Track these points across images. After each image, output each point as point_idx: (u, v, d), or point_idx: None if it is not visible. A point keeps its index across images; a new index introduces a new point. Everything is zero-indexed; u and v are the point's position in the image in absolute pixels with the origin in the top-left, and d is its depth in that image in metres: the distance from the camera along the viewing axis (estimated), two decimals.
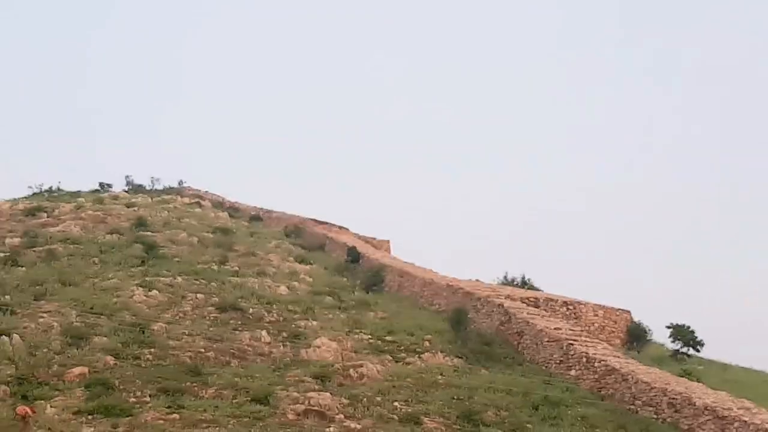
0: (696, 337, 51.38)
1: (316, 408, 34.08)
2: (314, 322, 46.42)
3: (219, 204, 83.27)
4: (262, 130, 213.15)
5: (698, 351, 51.18)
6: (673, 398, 36.60)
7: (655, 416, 36.79)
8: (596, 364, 41.23)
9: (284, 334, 44.05)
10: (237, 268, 55.67)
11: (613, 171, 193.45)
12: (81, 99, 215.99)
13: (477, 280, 60.77)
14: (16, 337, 38.46)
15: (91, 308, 43.78)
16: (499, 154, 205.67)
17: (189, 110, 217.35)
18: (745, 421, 32.99)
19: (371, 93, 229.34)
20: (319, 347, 42.29)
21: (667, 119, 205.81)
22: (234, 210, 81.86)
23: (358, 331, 46.08)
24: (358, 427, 32.94)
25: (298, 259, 62.30)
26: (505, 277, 63.05)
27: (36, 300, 44.51)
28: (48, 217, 66.25)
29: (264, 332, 43.73)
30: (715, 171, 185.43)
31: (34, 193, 79.58)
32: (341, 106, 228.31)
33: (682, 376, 41.00)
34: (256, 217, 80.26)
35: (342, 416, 33.84)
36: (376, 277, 58.19)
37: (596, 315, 53.01)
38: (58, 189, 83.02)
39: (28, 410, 30.97)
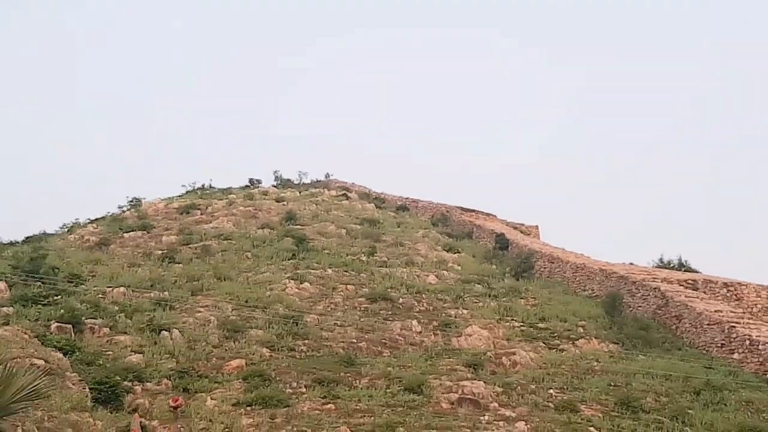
0: None
1: (469, 396, 34.11)
2: (464, 311, 46.52)
3: (365, 195, 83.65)
4: (405, 120, 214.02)
5: None
6: None
7: None
8: (761, 347, 40.14)
9: (435, 323, 44.28)
10: (386, 259, 56.12)
11: None
12: (225, 98, 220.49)
13: (631, 264, 59.83)
14: (175, 331, 39.75)
15: (246, 302, 44.98)
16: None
17: (331, 102, 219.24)
18: None
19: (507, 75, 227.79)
20: (470, 335, 42.37)
21: None
22: (380, 201, 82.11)
23: (509, 318, 46.01)
24: (513, 415, 32.76)
25: (446, 247, 62.29)
26: (661, 260, 61.78)
27: (193, 295, 45.95)
28: (201, 214, 68.09)
29: (415, 321, 44.07)
30: None
31: (188, 191, 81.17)
32: (479, 92, 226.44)
33: None
34: (403, 207, 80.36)
35: (496, 404, 33.77)
36: (526, 263, 57.78)
37: (759, 296, 51.38)
38: (210, 186, 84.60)
39: (181, 400, 32.02)
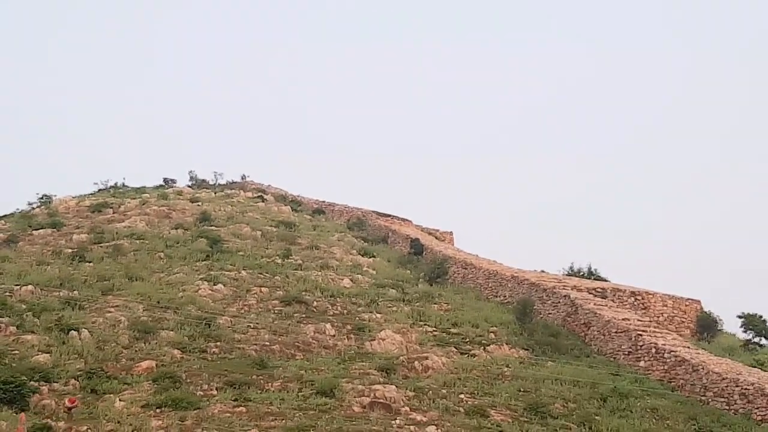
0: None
1: (381, 400, 34.25)
2: (378, 315, 46.56)
3: (282, 197, 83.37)
4: (322, 124, 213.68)
5: None
6: (746, 389, 36.24)
7: (726, 407, 36.45)
8: (666, 355, 40.95)
9: (348, 327, 44.24)
10: (300, 262, 55.90)
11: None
12: (143, 94, 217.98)
13: (542, 271, 60.48)
14: (84, 331, 39.21)
15: (158, 302, 44.45)
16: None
17: (247, 104, 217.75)
18: None
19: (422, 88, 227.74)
20: (383, 340, 42.49)
21: None
22: (297, 203, 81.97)
23: (422, 323, 46.12)
24: (424, 419, 32.97)
25: (361, 251, 62.36)
26: (571, 268, 62.47)
27: (103, 295, 45.25)
28: (114, 213, 67.11)
29: (328, 325, 44.01)
30: None
31: (100, 190, 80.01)
32: (399, 100, 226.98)
33: (755, 367, 40.55)
34: (319, 210, 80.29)
35: (407, 409, 33.95)
36: (440, 269, 58.01)
37: (665, 305, 52.44)
38: (123, 185, 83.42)
39: (77, 402, 31.72)
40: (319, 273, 53.36)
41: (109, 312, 42.34)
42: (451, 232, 78.21)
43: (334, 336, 42.97)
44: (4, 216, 66.18)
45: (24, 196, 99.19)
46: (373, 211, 78.53)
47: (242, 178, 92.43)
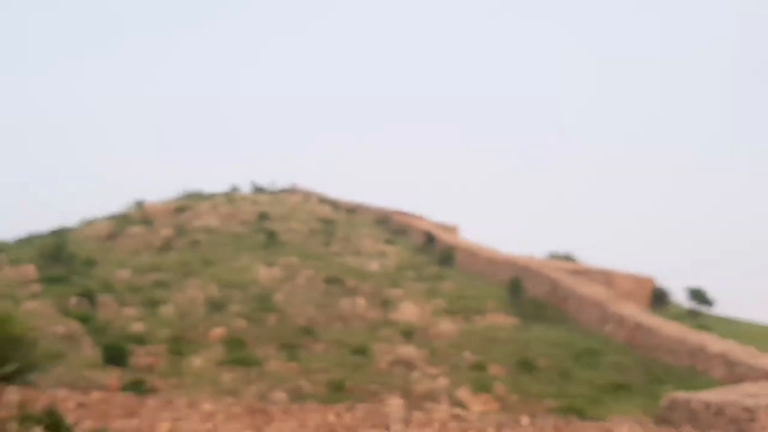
0: (708, 298, 50.45)
1: (403, 358, 34.42)
2: (400, 291, 46.64)
3: (322, 200, 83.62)
4: (353, 135, 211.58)
5: (709, 307, 50.25)
6: (690, 347, 36.23)
7: (674, 361, 36.43)
8: (627, 321, 40.97)
9: (376, 301, 44.38)
10: (338, 250, 56.20)
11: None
12: (217, 114, 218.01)
13: (529, 256, 60.44)
14: (170, 306, 39.70)
15: (228, 284, 44.76)
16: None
17: (295, 121, 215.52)
18: (751, 365, 32.49)
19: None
20: (404, 311, 42.61)
21: None
22: (335, 204, 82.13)
23: (434, 298, 46.15)
24: (436, 372, 33.12)
25: (385, 242, 62.55)
26: (551, 253, 62.59)
27: (185, 277, 45.61)
28: (191, 213, 67.30)
29: (361, 299, 44.19)
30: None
31: (180, 195, 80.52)
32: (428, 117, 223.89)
33: (697, 330, 40.53)
34: (352, 209, 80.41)
35: (423, 364, 34.14)
36: (448, 255, 58.21)
37: (626, 282, 52.45)
38: (197, 192, 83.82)
39: (155, 361, 32.16)
40: (353, 259, 53.67)
41: (189, 291, 42.83)
42: (456, 225, 78.24)
43: (365, 308, 43.17)
44: (107, 217, 66.71)
45: (121, 200, 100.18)
46: (395, 210, 78.65)
47: (292, 185, 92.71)
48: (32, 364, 15.18)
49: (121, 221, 63.51)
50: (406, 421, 21.97)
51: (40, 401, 19.60)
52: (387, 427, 21.76)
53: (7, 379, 14.81)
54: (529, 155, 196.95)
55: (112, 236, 57.76)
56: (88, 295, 38.61)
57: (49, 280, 40.87)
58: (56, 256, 46.19)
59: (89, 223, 64.09)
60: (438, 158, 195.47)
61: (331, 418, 21.81)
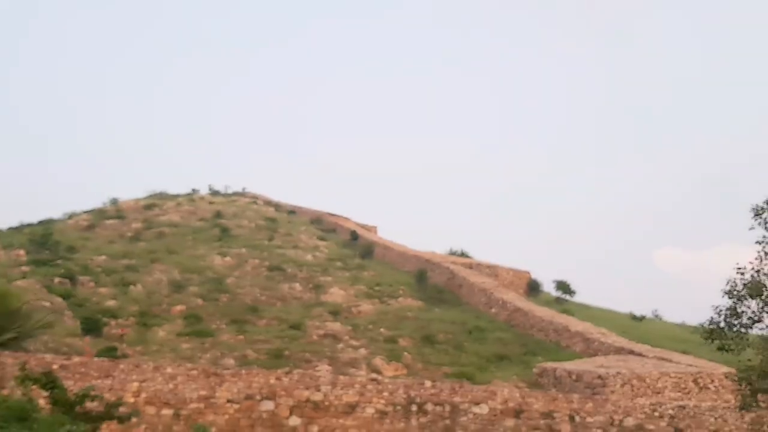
0: (571, 288, 51.90)
1: (330, 332, 34.52)
2: (329, 278, 46.53)
3: (268, 202, 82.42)
4: (291, 148, 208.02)
5: (572, 295, 51.67)
6: (556, 327, 37.13)
7: (544, 338, 37.32)
8: (508, 305, 41.69)
9: (310, 285, 44.28)
10: (280, 243, 55.57)
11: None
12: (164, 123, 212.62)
13: (432, 252, 60.96)
14: (139, 286, 38.79)
15: (187, 269, 43.91)
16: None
17: (245, 131, 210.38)
18: (603, 341, 33.52)
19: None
20: (332, 294, 42.64)
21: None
22: (277, 206, 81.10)
23: (357, 284, 46.26)
24: (358, 344, 33.28)
25: (318, 238, 62.11)
26: (451, 250, 63.31)
27: (152, 262, 44.54)
28: (158, 210, 65.74)
29: (297, 284, 44.04)
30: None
31: (149, 194, 78.59)
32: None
33: (562, 313, 41.57)
34: (292, 211, 79.33)
35: (347, 337, 34.25)
36: (368, 250, 58.21)
37: (508, 274, 53.32)
38: (163, 192, 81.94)
39: (127, 331, 31.54)
40: (292, 251, 53.18)
41: (155, 274, 41.91)
42: (375, 225, 78.29)
43: (300, 291, 43.01)
44: (87, 211, 64.56)
45: (98, 197, 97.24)
46: (327, 212, 78.30)
47: (242, 189, 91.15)
48: (27, 332, 14.66)
49: (99, 215, 61.52)
50: (334, 383, 22.00)
51: (32, 364, 18.94)
52: (318, 388, 21.74)
53: (5, 345, 14.27)
54: (437, 166, 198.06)
55: (90, 227, 55.97)
56: (70, 276, 37.46)
57: (36, 263, 39.40)
58: (43, 242, 44.52)
59: (71, 216, 61.78)
60: (361, 168, 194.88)
61: (272, 380, 21.67)
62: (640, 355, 30.71)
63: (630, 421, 23.09)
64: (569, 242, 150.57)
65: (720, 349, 12.12)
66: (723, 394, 26.27)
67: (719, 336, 12.07)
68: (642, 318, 49.69)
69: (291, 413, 21.20)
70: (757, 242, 12.03)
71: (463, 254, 61.93)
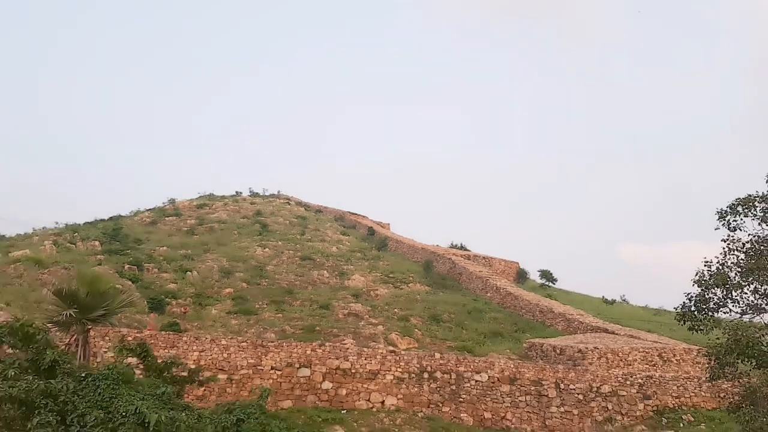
0: (553, 276, 51.74)
1: (353, 312, 34.58)
2: (351, 266, 46.61)
3: (299, 203, 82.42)
4: (316, 157, 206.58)
5: (554, 283, 51.51)
6: (542, 309, 37.09)
7: (532, 318, 37.28)
8: (501, 290, 41.68)
9: (336, 273, 44.31)
10: (309, 237, 55.66)
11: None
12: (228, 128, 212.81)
13: (437, 245, 60.96)
14: (194, 272, 38.96)
15: (234, 258, 44.01)
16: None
17: (279, 140, 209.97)
18: (581, 321, 33.42)
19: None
20: (354, 280, 42.66)
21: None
22: (307, 206, 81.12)
23: (374, 271, 46.30)
24: (376, 322, 33.32)
25: (341, 233, 62.17)
26: (452, 243, 63.26)
27: (204, 252, 44.76)
28: (209, 208, 66.00)
29: (325, 271, 44.06)
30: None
31: (200, 195, 78.97)
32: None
33: (546, 297, 41.56)
34: (319, 210, 79.36)
35: (367, 316, 34.28)
36: (383, 243, 58.26)
37: (500, 264, 53.29)
38: (212, 194, 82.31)
39: (188, 309, 31.70)
40: (319, 244, 53.28)
41: (207, 262, 42.11)
42: (389, 223, 78.21)
43: (328, 277, 43.06)
44: (149, 209, 64.99)
45: (159, 197, 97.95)
46: (348, 211, 78.34)
47: (277, 192, 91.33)
48: (112, 310, 14.84)
49: (159, 213, 61.77)
50: (359, 354, 22.12)
51: (110, 335, 19.14)
52: (346, 358, 21.87)
53: (95, 320, 14.48)
54: (438, 171, 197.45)
55: (153, 223, 56.17)
56: (137, 263, 37.70)
57: (109, 252, 39.68)
58: (114, 235, 44.85)
59: (136, 213, 62.20)
60: (377, 175, 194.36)
61: (309, 351, 21.83)
62: (613, 333, 30.67)
63: (606, 388, 23.09)
64: (552, 237, 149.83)
65: (691, 329, 12.15)
66: (683, 366, 26.21)
67: (690, 318, 12.10)
68: (612, 302, 49.45)
69: (324, 379, 21.35)
70: (722, 240, 12.08)
71: (462, 247, 61.89)
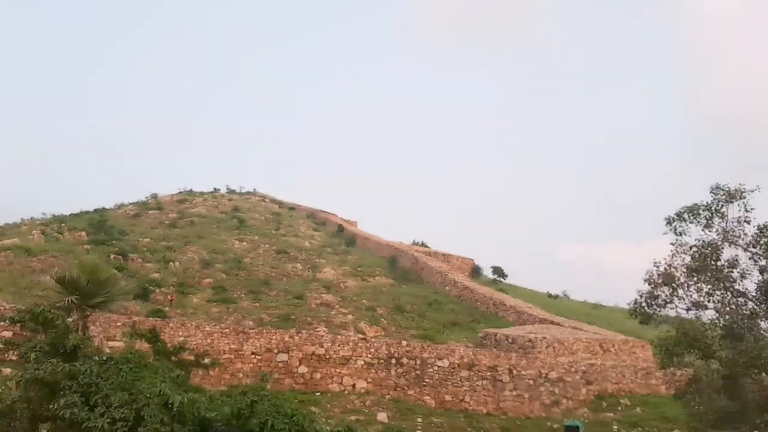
0: (504, 272, 52.44)
1: (325, 302, 34.41)
2: (323, 260, 46.30)
3: (273, 200, 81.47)
4: (291, 150, 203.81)
5: (505, 278, 52.19)
6: (495, 302, 37.48)
7: (486, 310, 37.62)
8: (458, 284, 41.93)
9: (308, 265, 43.95)
10: (284, 233, 55.15)
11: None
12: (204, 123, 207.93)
13: (401, 242, 60.97)
14: (177, 263, 38.19)
15: (213, 250, 43.30)
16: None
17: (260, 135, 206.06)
18: (530, 313, 33.96)
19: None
20: (325, 272, 42.39)
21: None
22: (280, 204, 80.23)
23: (344, 265, 46.09)
24: (346, 311, 33.24)
25: (313, 229, 61.64)
26: (414, 241, 63.48)
27: (185, 245, 43.87)
28: (189, 203, 64.78)
29: (298, 264, 43.68)
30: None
31: (180, 191, 77.31)
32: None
33: (499, 291, 42.06)
34: (292, 207, 78.32)
35: (338, 306, 34.18)
36: (352, 239, 57.94)
37: (457, 260, 53.62)
38: (192, 189, 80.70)
39: (174, 297, 31.05)
40: (293, 238, 52.77)
41: (189, 253, 41.31)
42: (356, 220, 77.94)
43: (301, 270, 42.69)
44: (133, 202, 63.36)
45: (142, 191, 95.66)
46: (320, 209, 77.69)
47: (254, 190, 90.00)
48: (111, 297, 14.42)
49: (142, 206, 60.39)
50: (333, 341, 22.03)
51: (101, 321, 18.52)
52: (321, 345, 21.75)
53: (95, 307, 14.06)
54: (403, 175, 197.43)
55: (136, 215, 54.85)
56: (122, 253, 36.78)
57: (96, 242, 38.55)
58: (100, 226, 43.56)
59: (120, 206, 60.57)
60: (346, 175, 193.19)
61: (287, 338, 21.65)
62: (558, 324, 31.24)
63: (553, 375, 23.55)
64: (503, 238, 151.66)
65: (641, 323, 12.55)
66: (621, 356, 26.90)
67: (641, 313, 12.48)
68: (556, 296, 50.52)
69: (300, 363, 21.20)
70: (671, 243, 12.49)
71: (423, 244, 62.09)
